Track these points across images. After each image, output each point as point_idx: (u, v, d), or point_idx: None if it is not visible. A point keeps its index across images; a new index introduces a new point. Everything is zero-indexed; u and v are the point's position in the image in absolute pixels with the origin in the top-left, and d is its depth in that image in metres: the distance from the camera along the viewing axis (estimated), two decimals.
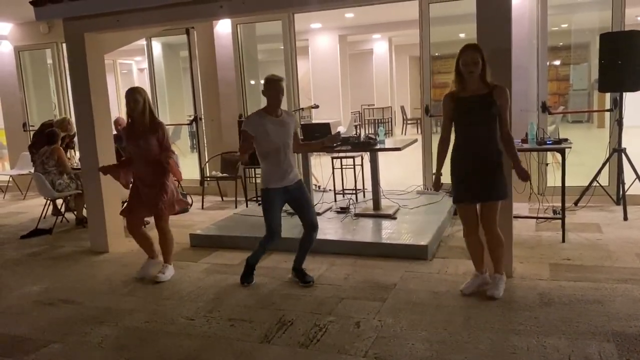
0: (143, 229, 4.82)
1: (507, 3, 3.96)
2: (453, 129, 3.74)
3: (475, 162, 3.66)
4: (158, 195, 4.54)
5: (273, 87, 4.07)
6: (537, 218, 5.61)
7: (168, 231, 4.68)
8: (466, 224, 3.83)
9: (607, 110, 6.36)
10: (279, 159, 4.12)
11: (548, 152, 6.13)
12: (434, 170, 3.85)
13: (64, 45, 7.44)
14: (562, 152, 4.91)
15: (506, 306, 3.62)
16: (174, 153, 4.84)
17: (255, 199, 7.08)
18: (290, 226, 5.68)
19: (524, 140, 5.14)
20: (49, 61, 9.66)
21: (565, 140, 5.07)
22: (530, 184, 5.94)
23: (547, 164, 6.33)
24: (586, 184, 6.00)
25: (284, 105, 7.54)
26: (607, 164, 5.97)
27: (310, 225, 4.24)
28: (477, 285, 3.88)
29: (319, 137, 5.85)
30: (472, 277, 3.94)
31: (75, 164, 7.09)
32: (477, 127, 3.64)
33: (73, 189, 6.59)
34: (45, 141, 6.68)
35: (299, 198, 4.22)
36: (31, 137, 8.15)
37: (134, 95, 4.43)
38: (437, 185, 3.84)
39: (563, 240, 4.92)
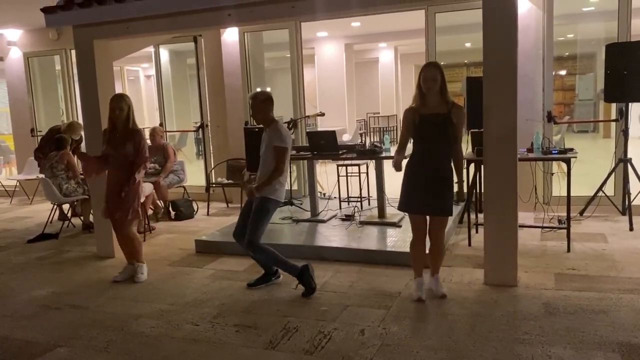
0: (134, 231, 4.86)
1: (514, 13, 3.98)
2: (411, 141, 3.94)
3: (428, 177, 3.82)
4: (124, 199, 4.62)
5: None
6: (542, 227, 5.60)
7: (130, 234, 4.78)
8: (416, 233, 3.98)
9: (613, 121, 6.35)
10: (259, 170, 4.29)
11: (553, 162, 6.14)
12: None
13: (73, 51, 7.52)
14: (568, 161, 4.91)
15: (511, 315, 3.62)
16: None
17: None
18: (296, 233, 5.72)
19: (530, 150, 5.15)
20: (57, 67, 9.75)
21: (571, 149, 5.07)
22: (536, 193, 5.94)
23: (552, 174, 6.33)
24: (591, 193, 5.99)
25: (289, 114, 7.59)
26: (613, 174, 5.97)
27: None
28: (425, 287, 4.02)
29: (325, 145, 5.91)
30: (416, 284, 4.01)
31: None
32: (433, 144, 3.82)
33: (80, 193, 6.63)
34: (54, 147, 6.74)
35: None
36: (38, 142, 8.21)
37: (120, 103, 4.56)
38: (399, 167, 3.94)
39: (568, 250, 4.92)
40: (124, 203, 4.63)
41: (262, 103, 4.19)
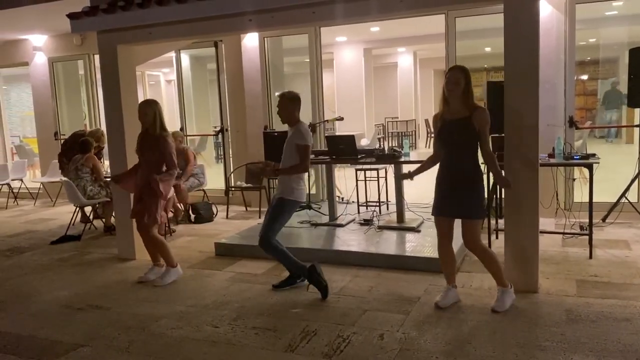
0: (154, 234, 4.89)
1: (535, 17, 3.96)
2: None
3: (454, 181, 3.78)
4: (147, 203, 4.69)
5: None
6: (563, 234, 5.53)
7: (155, 237, 4.83)
8: (440, 236, 3.95)
9: (636, 126, 6.26)
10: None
11: (575, 167, 6.07)
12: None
13: (96, 56, 7.66)
14: (590, 167, 4.85)
15: (532, 322, 3.58)
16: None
17: None
18: (314, 237, 5.73)
19: (551, 155, 5.10)
20: (81, 72, 9.92)
21: (593, 155, 5.01)
22: (557, 199, 5.88)
23: (574, 179, 6.26)
24: (614, 200, 5.90)
25: (308, 118, 7.62)
26: (637, 179, 5.88)
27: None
28: (451, 298, 3.95)
29: (344, 149, 5.92)
30: (444, 290, 3.98)
31: (105, 172, 7.25)
32: (457, 149, 3.77)
33: (103, 196, 6.73)
34: (78, 150, 6.85)
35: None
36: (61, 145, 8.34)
37: (145, 108, 4.68)
38: (405, 176, 4.02)
39: (590, 257, 4.85)
40: (144, 206, 4.71)
41: (289, 101, 4.25)
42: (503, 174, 3.92)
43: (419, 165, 4.05)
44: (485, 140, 3.75)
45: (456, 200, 3.77)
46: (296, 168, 4.22)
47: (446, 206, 3.82)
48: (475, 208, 3.78)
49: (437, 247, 4.01)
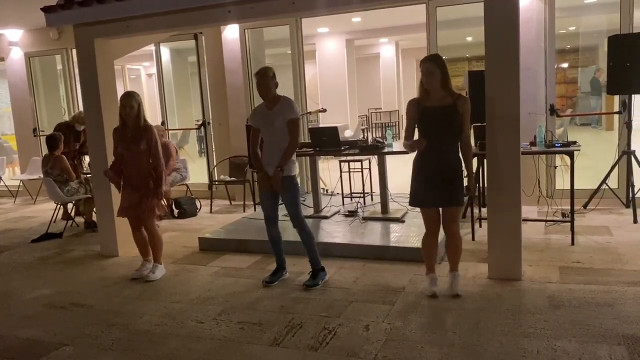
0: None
1: (515, 6, 3.96)
2: (418, 133, 3.85)
3: (436, 169, 3.78)
4: (142, 199, 4.64)
5: (256, 81, 4.20)
6: (546, 221, 5.58)
7: (155, 231, 4.79)
8: (428, 227, 3.93)
9: (616, 113, 6.33)
10: (264, 149, 4.25)
11: (556, 155, 6.12)
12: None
13: (74, 51, 7.51)
14: (571, 154, 4.89)
15: (516, 309, 3.61)
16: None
17: None
18: None
19: (533, 143, 5.13)
20: (59, 67, 9.76)
21: (574, 142, 5.05)
22: (539, 186, 5.93)
23: (555, 167, 6.31)
24: (595, 186, 5.97)
25: None
26: (617, 166, 5.94)
27: (290, 220, 4.33)
28: (435, 282, 3.97)
29: (327, 141, 5.90)
30: (429, 279, 3.99)
31: (85, 169, 7.15)
32: (440, 137, 3.75)
33: (82, 193, 6.63)
34: (72, 138, 6.74)
35: (282, 192, 4.26)
36: (44, 141, 8.18)
37: (129, 100, 4.56)
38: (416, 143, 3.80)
39: (572, 243, 4.90)
40: (144, 201, 4.63)
41: (272, 79, 4.17)
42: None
43: (406, 143, 3.85)
44: (466, 126, 3.76)
45: (444, 190, 3.76)
46: (293, 147, 4.18)
47: (436, 197, 3.79)
48: (460, 195, 3.81)
49: (424, 238, 4.00)
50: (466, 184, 3.89)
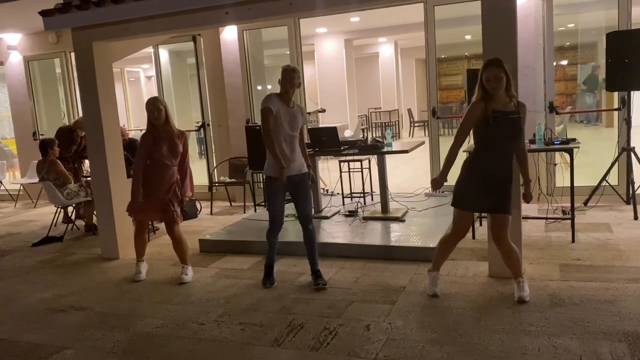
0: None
1: (512, 3, 3.96)
2: (478, 136, 3.72)
3: (494, 174, 3.67)
4: (166, 205, 4.63)
5: (283, 76, 4.18)
6: (546, 219, 5.58)
7: (183, 236, 4.79)
8: (458, 230, 3.82)
9: (616, 110, 6.33)
10: (283, 148, 4.19)
11: (556, 152, 6.11)
12: (440, 171, 3.78)
13: (72, 54, 7.52)
14: (570, 152, 4.89)
15: (516, 307, 3.61)
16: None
17: (263, 203, 7.10)
18: (299, 230, 5.69)
19: (532, 141, 5.12)
20: (58, 70, 9.75)
21: (574, 140, 5.05)
22: (539, 184, 5.92)
23: (555, 164, 6.31)
24: (595, 183, 5.96)
25: None
26: (616, 163, 5.94)
27: (303, 218, 4.31)
28: (437, 282, 3.95)
29: (326, 141, 5.91)
30: (430, 278, 3.95)
31: (86, 172, 7.16)
32: (508, 143, 3.68)
33: (82, 196, 6.63)
34: (67, 143, 6.74)
35: (299, 189, 4.28)
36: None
37: (156, 104, 4.59)
38: (438, 185, 3.78)
39: (573, 241, 4.90)
40: (171, 203, 4.64)
41: (299, 79, 4.24)
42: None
43: (446, 165, 3.71)
44: (524, 135, 3.75)
45: (496, 195, 3.64)
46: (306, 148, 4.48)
47: (485, 203, 3.68)
48: (510, 202, 3.69)
49: (446, 237, 3.92)
50: (523, 192, 3.81)
